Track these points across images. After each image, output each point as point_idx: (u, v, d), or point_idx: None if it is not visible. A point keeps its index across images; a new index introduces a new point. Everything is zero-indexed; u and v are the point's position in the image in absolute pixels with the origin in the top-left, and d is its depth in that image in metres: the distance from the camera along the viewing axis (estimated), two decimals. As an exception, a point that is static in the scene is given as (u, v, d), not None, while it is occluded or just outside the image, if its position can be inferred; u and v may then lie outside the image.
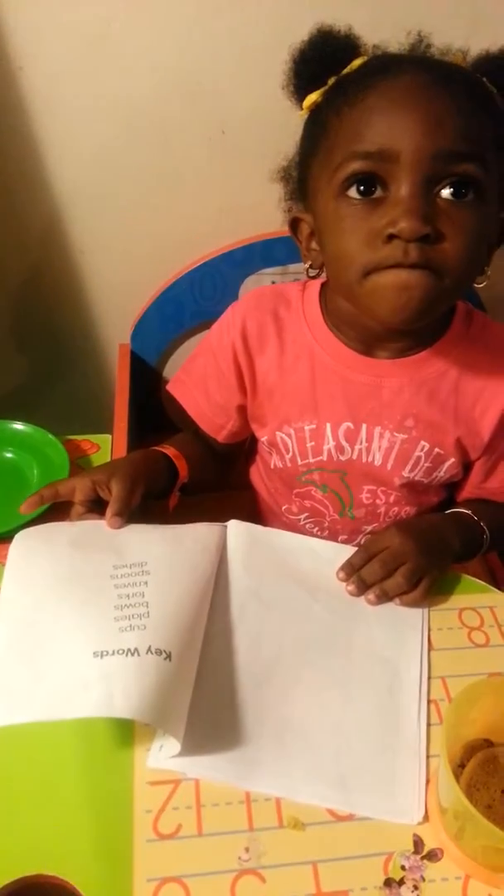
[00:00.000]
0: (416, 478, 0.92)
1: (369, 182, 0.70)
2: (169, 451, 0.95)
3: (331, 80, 0.74)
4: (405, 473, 0.91)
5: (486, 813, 0.57)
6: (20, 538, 0.81)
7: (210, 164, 1.12)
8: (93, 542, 0.80)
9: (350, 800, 0.65)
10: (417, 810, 0.64)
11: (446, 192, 0.68)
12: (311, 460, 0.94)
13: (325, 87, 0.74)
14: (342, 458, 0.92)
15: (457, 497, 1.00)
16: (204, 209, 1.17)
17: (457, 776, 0.65)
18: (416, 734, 0.70)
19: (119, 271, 1.27)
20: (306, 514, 1.03)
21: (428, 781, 0.67)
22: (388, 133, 0.67)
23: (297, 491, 1.00)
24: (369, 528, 1.00)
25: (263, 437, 0.98)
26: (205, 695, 0.70)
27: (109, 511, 0.82)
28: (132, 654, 0.66)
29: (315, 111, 0.76)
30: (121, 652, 0.67)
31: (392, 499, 0.96)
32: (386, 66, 0.70)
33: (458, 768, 0.66)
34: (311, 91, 0.75)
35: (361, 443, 0.91)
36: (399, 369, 0.86)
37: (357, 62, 0.72)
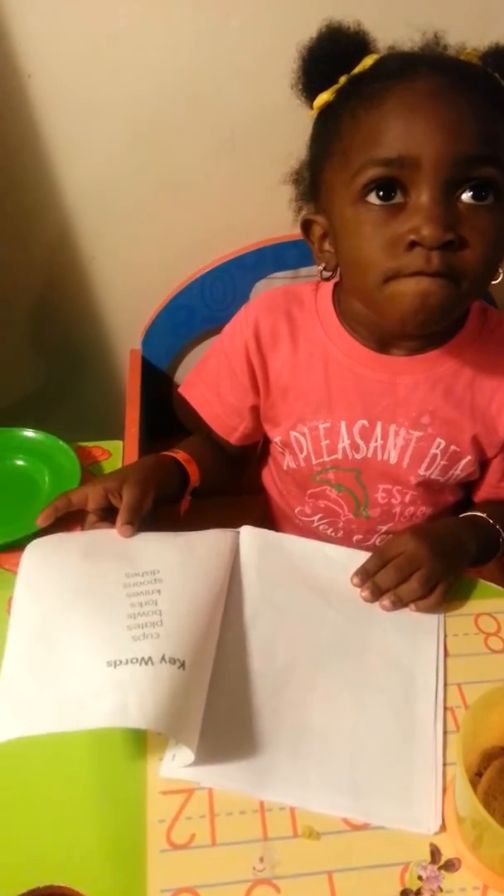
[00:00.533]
0: (433, 476, 0.91)
1: (389, 187, 0.69)
2: (180, 455, 0.95)
3: (342, 79, 0.73)
4: (421, 472, 0.91)
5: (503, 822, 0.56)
6: (32, 548, 0.80)
7: (218, 169, 1.11)
8: (104, 551, 0.80)
9: (365, 808, 0.64)
10: (434, 820, 0.63)
11: (467, 196, 0.68)
12: (326, 459, 0.94)
13: (337, 86, 0.73)
14: (357, 456, 0.92)
15: (473, 497, 1.00)
16: (213, 214, 1.17)
17: (474, 785, 0.64)
18: (432, 742, 0.69)
19: (129, 278, 1.27)
20: (320, 515, 1.02)
21: (445, 790, 0.66)
22: (408, 139, 0.67)
23: (311, 491, 0.99)
24: (384, 528, 1.00)
25: (277, 438, 0.98)
26: (218, 703, 0.70)
27: (120, 519, 0.82)
28: (146, 663, 0.66)
29: (326, 111, 0.75)
30: (134, 661, 0.66)
31: (408, 498, 0.95)
32: (401, 67, 0.69)
33: (476, 777, 0.65)
34: (321, 90, 0.74)
35: (377, 441, 0.90)
36: (414, 366, 0.86)
37: (369, 61, 0.71)
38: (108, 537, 0.82)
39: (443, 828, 0.63)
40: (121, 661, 0.66)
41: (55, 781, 0.66)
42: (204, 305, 1.24)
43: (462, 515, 0.93)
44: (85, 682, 0.65)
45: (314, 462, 0.95)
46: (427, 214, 0.67)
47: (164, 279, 1.23)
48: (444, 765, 0.68)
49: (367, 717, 0.71)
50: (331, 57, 0.73)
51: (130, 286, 1.28)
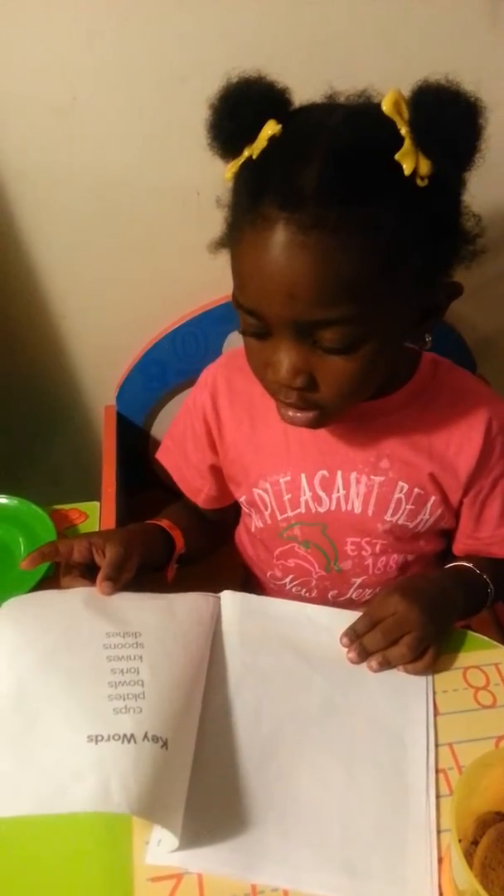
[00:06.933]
0: (400, 522, 0.90)
1: (259, 327, 0.72)
2: (163, 523, 0.95)
3: (246, 151, 0.68)
4: (387, 518, 0.90)
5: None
6: (7, 608, 0.78)
7: (186, 225, 1.11)
8: (83, 610, 0.78)
9: (359, 888, 0.62)
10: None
11: (317, 344, 0.70)
12: (290, 513, 0.93)
13: (238, 163, 0.69)
14: (320, 509, 0.91)
15: (454, 550, 0.98)
16: (183, 269, 1.17)
17: (470, 854, 0.63)
18: (424, 811, 0.67)
19: (101, 334, 1.26)
20: (291, 577, 1.01)
21: (440, 860, 0.64)
22: (254, 298, 0.69)
23: (280, 550, 0.98)
24: (358, 581, 0.98)
25: (242, 497, 0.98)
26: (203, 781, 0.67)
27: (101, 575, 0.81)
28: (128, 741, 0.64)
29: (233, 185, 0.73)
30: (116, 737, 0.64)
31: (378, 548, 0.94)
32: (255, 194, 0.65)
33: (471, 846, 0.63)
34: (234, 148, 0.70)
35: (338, 491, 0.90)
36: (369, 413, 0.86)
37: (262, 139, 0.66)
38: (88, 595, 0.80)
39: (441, 903, 0.61)
40: (102, 737, 0.64)
41: (33, 870, 0.63)
42: (177, 359, 1.23)
43: (448, 566, 0.92)
44: (65, 759, 0.63)
45: (279, 518, 0.94)
46: (278, 359, 0.71)
47: (136, 334, 1.23)
48: (439, 832, 0.66)
49: (356, 788, 0.69)
50: (236, 131, 0.68)
51: (103, 343, 1.28)
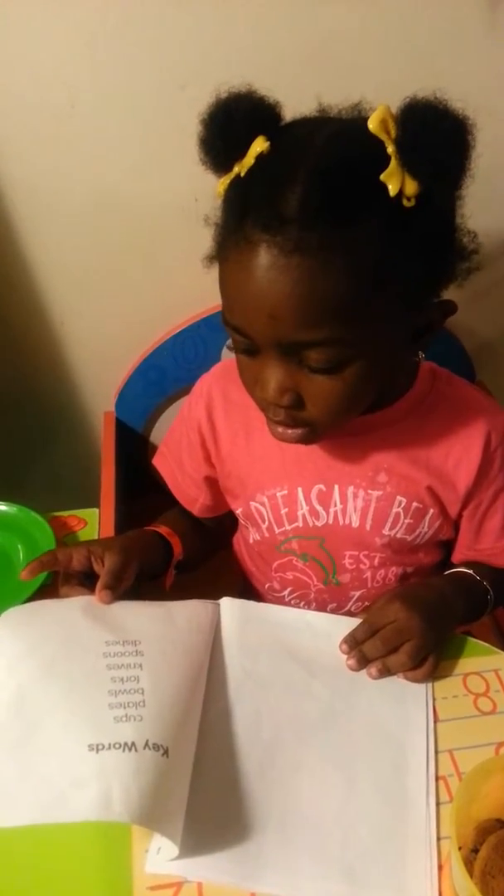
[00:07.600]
0: (398, 535, 0.90)
1: (247, 344, 0.71)
2: (162, 529, 0.94)
3: (236, 167, 0.66)
4: (385, 532, 0.89)
5: (503, 905, 0.54)
6: (6, 618, 0.78)
7: (184, 231, 1.11)
8: (82, 619, 0.78)
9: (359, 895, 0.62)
10: (430, 904, 0.61)
11: (303, 361, 0.69)
12: (288, 527, 0.92)
13: (227, 179, 0.68)
14: (318, 523, 0.90)
15: (453, 560, 0.97)
16: (182, 275, 1.16)
17: (470, 862, 0.62)
18: (424, 817, 0.67)
19: (100, 340, 1.27)
20: (290, 589, 1.00)
21: (440, 867, 0.64)
22: (239, 317, 0.68)
23: (278, 563, 0.98)
24: (357, 594, 0.98)
25: (238, 510, 0.97)
26: (203, 788, 0.67)
27: (100, 584, 0.80)
28: (129, 749, 0.63)
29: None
30: (117, 746, 0.63)
31: (377, 561, 0.93)
32: (240, 215, 0.64)
33: (472, 853, 0.63)
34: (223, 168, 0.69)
35: (336, 505, 0.89)
36: (366, 426, 0.84)
37: (251, 156, 0.65)
38: (87, 604, 0.80)
39: (442, 909, 0.61)
40: (103, 746, 0.64)
41: (30, 879, 0.63)
42: (176, 365, 1.24)
43: (448, 573, 0.92)
44: (65, 767, 0.63)
45: (277, 531, 0.93)
46: (265, 378, 0.71)
47: (135, 341, 1.23)
48: (438, 839, 0.66)
49: (356, 794, 0.69)
50: (224, 147, 0.67)
51: (102, 348, 1.28)
